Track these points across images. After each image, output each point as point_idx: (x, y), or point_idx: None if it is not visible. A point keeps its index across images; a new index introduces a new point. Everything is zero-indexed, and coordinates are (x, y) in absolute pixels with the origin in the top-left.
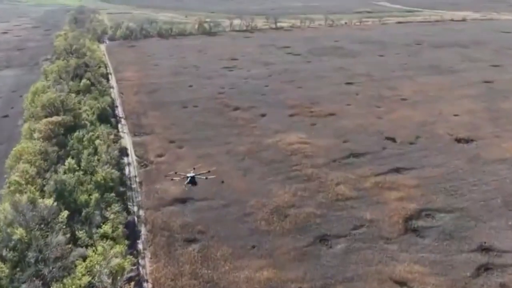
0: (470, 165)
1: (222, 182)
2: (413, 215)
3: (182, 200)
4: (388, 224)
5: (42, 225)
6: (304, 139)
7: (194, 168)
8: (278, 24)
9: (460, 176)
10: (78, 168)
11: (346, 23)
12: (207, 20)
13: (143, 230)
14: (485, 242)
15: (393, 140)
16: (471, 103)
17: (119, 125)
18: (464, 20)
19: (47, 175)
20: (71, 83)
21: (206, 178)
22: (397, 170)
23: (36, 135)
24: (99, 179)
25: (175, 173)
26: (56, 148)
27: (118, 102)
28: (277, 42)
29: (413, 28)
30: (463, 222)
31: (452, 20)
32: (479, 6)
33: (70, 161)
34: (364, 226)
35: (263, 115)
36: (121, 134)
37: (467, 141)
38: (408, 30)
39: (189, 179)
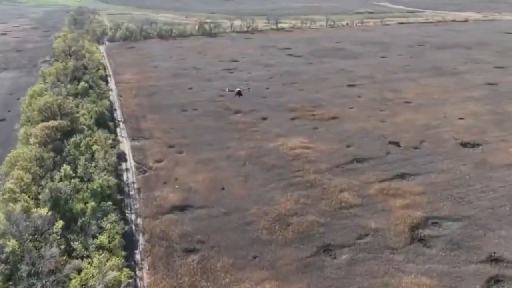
0: (477, 171)
1: (223, 188)
2: (419, 223)
3: (181, 208)
4: (393, 233)
5: (36, 236)
6: (306, 143)
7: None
8: (279, 25)
9: (467, 182)
10: (74, 175)
11: (347, 24)
12: (208, 21)
13: (141, 239)
14: (494, 253)
15: (397, 144)
16: (476, 106)
17: (118, 129)
18: (466, 20)
19: (43, 182)
20: (69, 86)
21: (249, 89)
22: (402, 176)
23: (32, 140)
24: (95, 186)
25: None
26: (52, 154)
27: (116, 105)
28: (278, 43)
29: (415, 29)
30: (471, 230)
31: (454, 20)
32: (480, 6)
33: (66, 168)
34: (369, 235)
35: (264, 119)
36: (120, 138)
37: (473, 145)
38: (410, 31)
39: (237, 91)
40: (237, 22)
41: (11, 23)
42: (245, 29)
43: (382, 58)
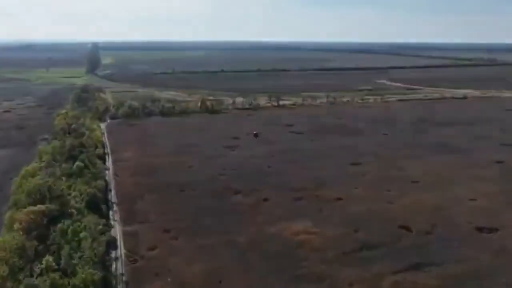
0: (497, 259)
1: (220, 282)
2: None
3: None
4: None
5: None
6: (311, 227)
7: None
8: (281, 102)
9: (488, 273)
10: (56, 267)
11: (348, 101)
12: (210, 98)
13: None
14: None
15: (407, 229)
16: (486, 185)
17: (110, 212)
18: (464, 97)
19: (21, 276)
20: (64, 165)
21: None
22: (416, 267)
23: (16, 226)
24: (77, 282)
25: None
26: (35, 242)
27: (112, 185)
28: (279, 120)
29: (415, 105)
30: None
31: (452, 97)
32: (478, 84)
33: (48, 259)
34: None
35: (265, 200)
36: (112, 222)
37: (490, 230)
38: (411, 108)
39: (254, 133)
40: (239, 99)
41: (16, 100)
42: (247, 106)
43: (384, 135)
